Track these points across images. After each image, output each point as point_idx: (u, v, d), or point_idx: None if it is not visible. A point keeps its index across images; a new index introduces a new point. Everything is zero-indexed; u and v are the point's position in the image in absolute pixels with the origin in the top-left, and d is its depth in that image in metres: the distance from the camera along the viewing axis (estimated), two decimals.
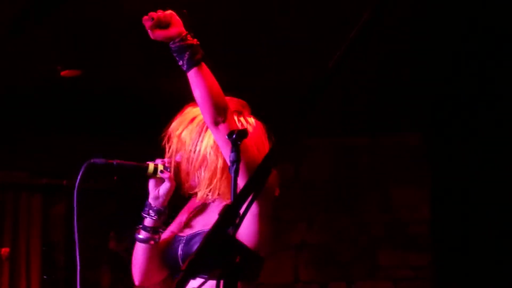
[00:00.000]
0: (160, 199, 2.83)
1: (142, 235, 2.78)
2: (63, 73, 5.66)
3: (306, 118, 2.14)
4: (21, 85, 6.06)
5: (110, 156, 3.06)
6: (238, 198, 1.54)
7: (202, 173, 2.82)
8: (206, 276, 1.89)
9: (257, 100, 3.41)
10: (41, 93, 6.18)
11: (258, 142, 2.74)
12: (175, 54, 2.57)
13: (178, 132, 2.86)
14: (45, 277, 6.58)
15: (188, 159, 2.83)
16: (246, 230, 2.51)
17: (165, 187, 2.81)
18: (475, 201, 6.30)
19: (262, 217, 2.61)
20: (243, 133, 2.41)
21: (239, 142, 2.36)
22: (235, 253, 1.44)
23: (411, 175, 6.46)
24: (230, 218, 1.44)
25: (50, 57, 5.42)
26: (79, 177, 2.65)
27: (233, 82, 5.50)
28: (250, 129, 2.76)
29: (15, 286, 6.42)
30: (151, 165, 2.80)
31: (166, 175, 2.88)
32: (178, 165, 2.89)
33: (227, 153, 2.56)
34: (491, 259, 6.11)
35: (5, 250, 5.74)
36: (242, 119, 2.84)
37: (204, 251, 1.42)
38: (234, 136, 2.34)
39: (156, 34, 2.56)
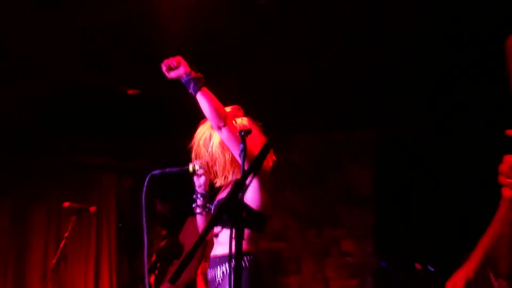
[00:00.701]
0: (202, 187, 3.75)
1: (197, 210, 3.77)
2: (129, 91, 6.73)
3: (293, 119, 4.07)
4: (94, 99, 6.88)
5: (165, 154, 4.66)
6: (244, 175, 2.09)
7: (216, 167, 3.72)
8: (222, 225, 2.66)
9: (256, 100, 4.75)
10: (113, 106, 7.14)
11: (252, 136, 3.45)
12: (185, 85, 3.41)
13: (197, 143, 3.80)
14: (120, 224, 8.19)
15: (207, 159, 3.73)
16: (251, 197, 3.44)
17: (202, 179, 3.71)
18: (406, 176, 7.40)
19: (261, 188, 3.48)
20: (248, 131, 3.20)
21: (245, 137, 3.19)
22: (242, 210, 2.01)
23: (364, 159, 7.78)
24: (238, 188, 2.00)
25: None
26: (144, 186, 3.69)
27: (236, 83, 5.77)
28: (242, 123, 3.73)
29: (99, 232, 8.00)
30: (190, 167, 3.72)
31: (200, 171, 3.71)
32: (204, 164, 3.76)
33: (235, 145, 3.37)
34: (420, 216, 7.12)
35: (93, 208, 6.15)
36: (238, 120, 3.70)
37: (221, 208, 1.97)
38: (242, 133, 3.16)
39: (170, 75, 3.41)
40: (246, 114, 4.03)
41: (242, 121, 3.89)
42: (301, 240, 7.85)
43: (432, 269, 6.24)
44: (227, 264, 3.80)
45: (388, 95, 7.06)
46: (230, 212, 2.22)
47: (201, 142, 3.95)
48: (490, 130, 5.32)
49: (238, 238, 2.32)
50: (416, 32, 5.38)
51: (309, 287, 7.81)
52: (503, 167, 2.01)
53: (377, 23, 4.89)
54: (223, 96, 3.72)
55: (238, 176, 3.75)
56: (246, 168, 3.32)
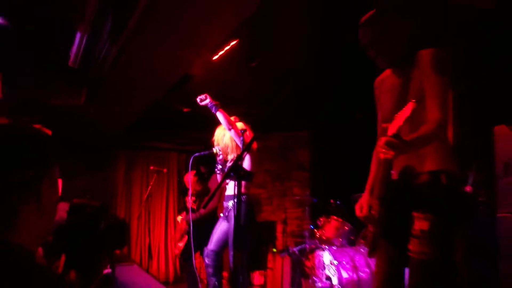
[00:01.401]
0: (221, 160, 5.41)
1: (217, 172, 5.48)
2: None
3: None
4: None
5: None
6: (241, 153, 4.82)
7: (228, 150, 5.49)
8: (231, 179, 4.07)
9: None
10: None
11: (246, 133, 5.12)
12: (210, 108, 5.04)
13: (217, 137, 5.57)
14: (179, 179, 10.87)
15: (223, 146, 5.48)
16: (246, 164, 5.27)
17: (220, 157, 5.43)
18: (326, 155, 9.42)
19: (251, 159, 5.30)
20: (244, 131, 5.14)
21: (243, 134, 5.12)
22: (240, 170, 3.37)
23: (306, 145, 10.34)
24: (238, 159, 3.59)
25: None
26: (190, 164, 5.49)
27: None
28: (240, 127, 5.24)
29: (168, 184, 10.97)
30: (214, 150, 5.49)
31: (219, 152, 5.48)
32: (222, 149, 5.50)
33: (238, 138, 5.14)
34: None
35: (165, 170, 8.53)
36: (238, 124, 5.31)
37: (229, 170, 3.40)
38: (242, 132, 5.11)
39: (201, 104, 5.04)
40: (241, 120, 5.63)
41: (240, 125, 5.44)
42: (272, 188, 10.50)
43: (339, 202, 7.43)
44: (233, 200, 5.24)
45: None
46: (235, 171, 3.32)
47: (220, 137, 5.64)
48: None
49: (239, 185, 3.36)
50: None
51: (276, 212, 10.29)
52: (379, 144, 2.80)
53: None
54: (230, 113, 5.35)
55: (233, 155, 5.53)
56: (242, 149, 5.05)
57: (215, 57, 6.12)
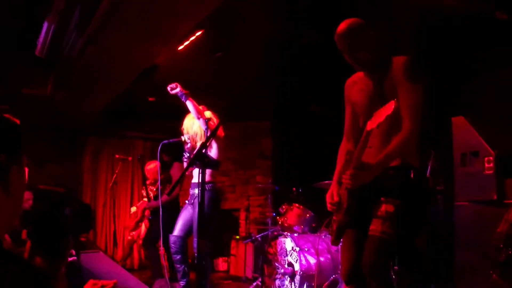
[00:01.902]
0: (189, 149, 5.55)
1: (184, 159, 5.62)
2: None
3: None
4: None
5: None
6: (206, 141, 4.72)
7: (197, 138, 5.62)
8: (196, 166, 4.34)
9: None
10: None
11: (212, 121, 5.24)
12: (180, 97, 5.19)
13: (186, 126, 5.72)
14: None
15: (192, 135, 5.62)
16: (212, 152, 5.53)
17: (189, 145, 5.59)
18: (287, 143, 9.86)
19: (217, 147, 5.55)
20: (209, 119, 5.31)
21: (208, 122, 5.28)
22: (205, 157, 3.54)
23: (268, 134, 10.52)
24: (203, 146, 3.72)
25: None
26: (158, 151, 5.54)
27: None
28: (208, 116, 5.36)
29: (133, 170, 11.06)
30: (182, 138, 5.64)
31: (188, 141, 5.63)
32: (191, 137, 5.63)
33: (204, 126, 5.26)
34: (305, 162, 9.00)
35: (130, 158, 9.20)
36: (206, 113, 5.45)
37: (193, 158, 3.53)
38: (206, 121, 5.28)
39: (172, 92, 5.19)
40: (209, 109, 5.76)
41: (208, 113, 5.58)
42: (235, 175, 10.73)
43: (300, 190, 7.45)
44: (198, 188, 4.55)
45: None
46: (199, 159, 3.39)
47: (189, 125, 5.76)
48: None
49: (203, 173, 3.46)
50: None
51: (239, 199, 10.50)
52: (345, 174, 3.18)
53: None
54: (200, 102, 5.45)
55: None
56: (207, 137, 5.07)
57: (181, 48, 6.12)
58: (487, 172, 5.18)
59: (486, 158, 5.20)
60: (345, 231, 3.43)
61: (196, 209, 5.45)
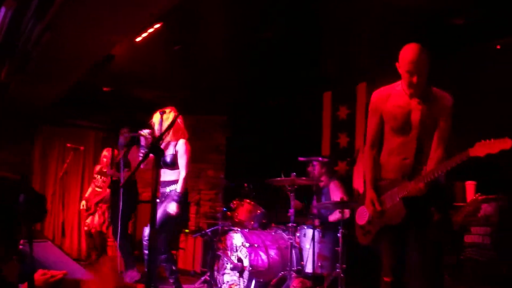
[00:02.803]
0: (145, 143, 5.73)
1: (141, 154, 5.81)
2: None
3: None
4: None
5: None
6: (161, 135, 3.99)
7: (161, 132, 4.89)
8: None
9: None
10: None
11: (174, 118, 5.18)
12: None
13: (154, 120, 5.86)
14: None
15: (157, 129, 5.75)
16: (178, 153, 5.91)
17: (147, 141, 5.73)
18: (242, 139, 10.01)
19: (185, 150, 5.91)
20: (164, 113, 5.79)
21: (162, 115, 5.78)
22: (159, 151, 3.32)
23: (221, 129, 10.64)
24: (158, 140, 3.54)
25: None
26: (119, 142, 7.02)
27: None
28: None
29: (84, 161, 10.97)
30: (143, 132, 5.78)
31: (149, 136, 5.76)
32: (151, 133, 5.79)
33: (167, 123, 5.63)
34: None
35: (82, 148, 8.95)
36: (167, 110, 5.84)
37: (148, 151, 3.35)
38: (162, 113, 5.78)
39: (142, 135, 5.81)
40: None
41: (167, 111, 5.92)
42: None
43: (252, 186, 7.48)
44: (169, 186, 5.81)
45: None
46: (154, 153, 3.34)
47: (157, 121, 5.91)
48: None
49: (157, 166, 3.42)
50: None
51: (190, 193, 8.54)
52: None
53: None
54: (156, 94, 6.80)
55: (170, 139, 5.86)
56: (164, 130, 5.25)
57: (139, 39, 6.06)
58: None
59: None
60: (383, 234, 3.91)
61: (163, 206, 5.68)
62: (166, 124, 5.71)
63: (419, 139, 3.78)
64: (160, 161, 3.35)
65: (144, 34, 6.00)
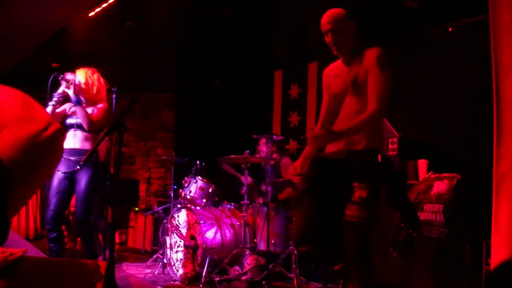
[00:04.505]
0: (64, 93, 5.32)
1: (52, 102, 5.30)
2: None
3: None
4: None
5: None
6: (125, 109, 5.00)
7: (91, 90, 5.49)
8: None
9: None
10: None
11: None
12: (70, 98, 5.32)
13: (83, 75, 5.50)
14: None
15: (84, 82, 5.44)
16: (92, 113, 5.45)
17: (71, 89, 5.30)
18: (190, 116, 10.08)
19: (103, 109, 5.50)
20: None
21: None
22: (123, 126, 3.60)
23: (170, 107, 10.68)
24: (123, 115, 3.71)
25: None
26: (49, 83, 5.26)
27: None
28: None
29: None
30: (68, 76, 5.36)
31: (71, 85, 5.33)
32: (84, 84, 5.46)
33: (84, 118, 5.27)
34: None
35: None
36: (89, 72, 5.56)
37: (111, 126, 4.90)
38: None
39: (64, 83, 5.30)
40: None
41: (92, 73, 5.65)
42: (136, 147, 10.65)
43: (204, 164, 7.26)
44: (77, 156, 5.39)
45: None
46: (117, 128, 3.40)
47: (88, 77, 5.61)
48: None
49: (120, 143, 3.52)
50: None
51: (139, 171, 10.53)
52: (310, 133, 3.45)
53: None
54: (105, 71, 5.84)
55: (90, 98, 5.56)
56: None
57: (92, 14, 5.92)
58: (390, 153, 5.50)
59: (390, 140, 5.50)
60: (302, 199, 3.63)
61: (79, 182, 5.35)
62: (81, 81, 5.47)
63: (356, 102, 3.69)
64: (122, 139, 3.32)
65: (98, 9, 5.83)
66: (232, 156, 6.47)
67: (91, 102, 5.50)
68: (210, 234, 6.30)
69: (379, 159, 3.62)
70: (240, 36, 7.33)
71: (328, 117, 3.97)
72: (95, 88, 5.46)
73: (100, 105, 5.46)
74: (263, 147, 7.07)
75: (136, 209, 9.41)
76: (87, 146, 5.44)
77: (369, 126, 3.58)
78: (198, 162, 7.37)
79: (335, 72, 3.95)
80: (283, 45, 7.94)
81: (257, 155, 6.92)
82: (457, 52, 6.11)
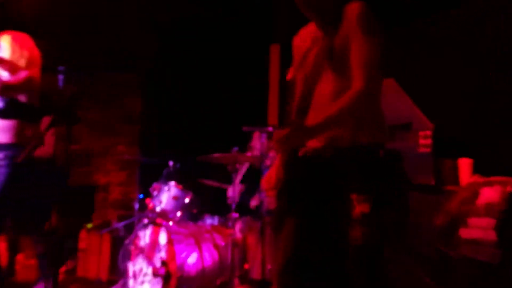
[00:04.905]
0: None
1: None
2: None
3: None
4: None
5: None
6: (75, 94, 4.65)
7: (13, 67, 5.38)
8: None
9: None
10: None
11: None
12: None
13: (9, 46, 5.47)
14: None
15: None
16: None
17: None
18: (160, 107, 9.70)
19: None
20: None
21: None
22: (73, 115, 4.31)
23: (133, 94, 10.30)
24: (72, 100, 4.52)
25: None
26: None
27: None
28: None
29: None
30: None
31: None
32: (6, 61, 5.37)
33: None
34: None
35: None
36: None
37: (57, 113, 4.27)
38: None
39: None
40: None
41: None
42: (91, 143, 10.09)
43: (179, 166, 7.30)
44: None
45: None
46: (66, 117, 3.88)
47: (15, 52, 5.59)
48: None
49: (69, 136, 3.99)
50: None
51: (95, 174, 10.08)
52: (274, 137, 3.20)
53: None
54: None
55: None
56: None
57: None
58: (422, 150, 5.25)
59: (421, 133, 5.27)
60: (284, 217, 3.36)
61: None
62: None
63: (334, 81, 3.29)
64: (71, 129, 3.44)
65: None
66: (216, 155, 6.24)
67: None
68: (186, 258, 6.07)
69: (381, 155, 3.26)
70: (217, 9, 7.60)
71: (302, 104, 3.53)
72: (23, 62, 5.37)
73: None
74: (257, 143, 6.65)
75: (89, 225, 8.85)
76: (6, 138, 5.32)
77: (356, 112, 3.15)
78: (171, 163, 7.23)
79: (308, 42, 3.57)
80: (283, 13, 7.73)
81: (249, 153, 6.59)
82: (456, 46, 5.94)
